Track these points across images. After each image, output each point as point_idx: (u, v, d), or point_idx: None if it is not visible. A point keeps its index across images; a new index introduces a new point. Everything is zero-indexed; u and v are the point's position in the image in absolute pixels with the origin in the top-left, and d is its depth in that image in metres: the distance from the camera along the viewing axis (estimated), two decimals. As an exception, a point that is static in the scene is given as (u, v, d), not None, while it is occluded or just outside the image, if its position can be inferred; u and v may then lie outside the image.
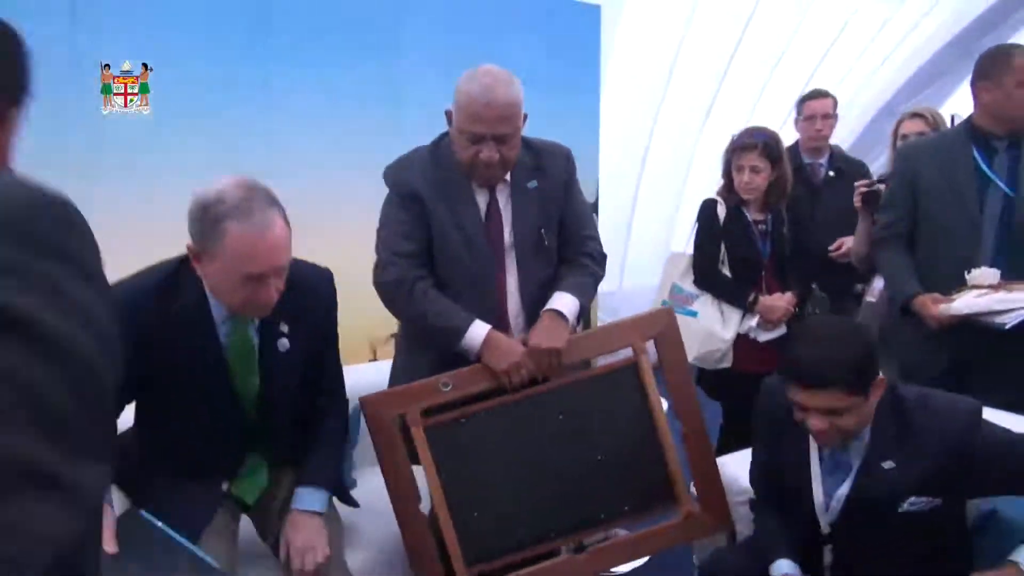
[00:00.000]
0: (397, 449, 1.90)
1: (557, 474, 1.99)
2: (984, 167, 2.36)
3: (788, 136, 3.10)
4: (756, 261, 2.81)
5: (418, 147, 2.06)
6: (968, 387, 1.88)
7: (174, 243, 1.62)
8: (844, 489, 1.68)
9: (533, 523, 1.99)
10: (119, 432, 1.68)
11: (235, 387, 1.70)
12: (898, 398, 1.64)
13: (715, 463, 2.10)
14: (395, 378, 2.11)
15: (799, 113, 3.29)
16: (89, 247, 0.57)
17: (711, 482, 2.08)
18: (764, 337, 2.77)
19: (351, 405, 1.96)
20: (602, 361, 2.19)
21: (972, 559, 1.68)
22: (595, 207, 3.82)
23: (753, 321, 2.77)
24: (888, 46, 6.80)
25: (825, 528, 1.71)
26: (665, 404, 2.09)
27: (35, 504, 0.46)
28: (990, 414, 1.67)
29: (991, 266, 2.33)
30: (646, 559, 2.28)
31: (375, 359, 3.09)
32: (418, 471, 1.94)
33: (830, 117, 3.23)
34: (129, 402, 1.68)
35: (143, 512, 1.56)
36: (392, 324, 2.23)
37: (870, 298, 2.95)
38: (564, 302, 2.00)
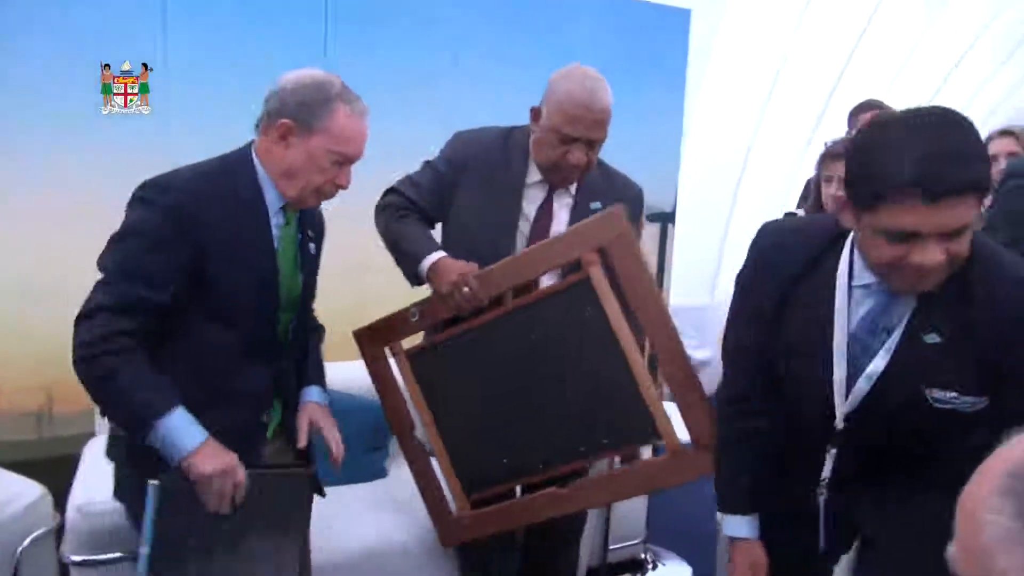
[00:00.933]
0: (389, 380, 2.04)
1: (532, 403, 1.91)
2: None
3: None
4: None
5: (492, 128, 2.05)
6: None
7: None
8: (877, 366, 1.29)
9: (516, 453, 1.95)
10: None
11: (280, 291, 1.63)
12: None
13: (700, 389, 1.78)
14: None
15: None
16: None
17: (698, 413, 1.77)
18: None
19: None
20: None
21: None
22: (671, 217, 3.60)
23: None
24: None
25: (840, 422, 1.34)
26: None
27: None
28: None
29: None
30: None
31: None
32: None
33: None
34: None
35: None
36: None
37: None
38: None
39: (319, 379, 1.82)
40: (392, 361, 2.11)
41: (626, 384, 1.80)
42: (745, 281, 1.43)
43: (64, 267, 2.47)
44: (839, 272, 1.31)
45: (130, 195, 1.50)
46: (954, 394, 1.24)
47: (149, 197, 1.47)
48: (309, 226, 1.72)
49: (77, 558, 2.01)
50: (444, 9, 3.03)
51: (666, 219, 3.60)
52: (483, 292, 1.88)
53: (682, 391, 1.78)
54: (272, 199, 1.59)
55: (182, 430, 1.44)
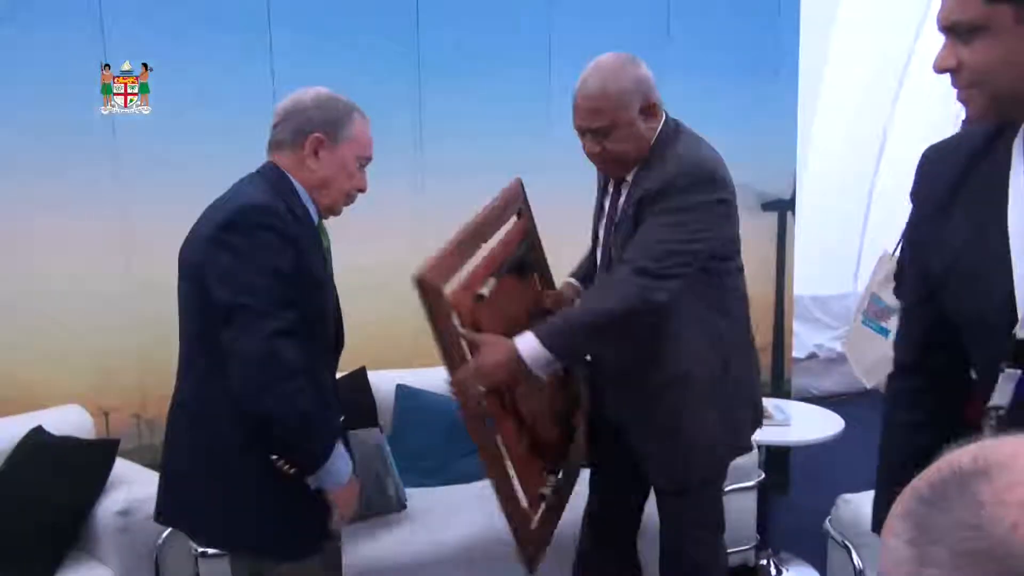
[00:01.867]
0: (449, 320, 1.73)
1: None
2: None
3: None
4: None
5: None
6: None
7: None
8: None
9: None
10: None
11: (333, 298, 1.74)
12: None
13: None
14: None
15: None
16: None
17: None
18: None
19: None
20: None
21: None
22: (790, 204, 3.42)
23: None
24: None
25: (1021, 329, 1.09)
26: None
27: None
28: None
29: None
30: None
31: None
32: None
33: None
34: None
35: None
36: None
37: None
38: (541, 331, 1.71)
39: None
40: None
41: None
42: (911, 195, 1.27)
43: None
44: (1014, 153, 1.10)
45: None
46: None
47: (267, 223, 1.51)
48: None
49: (208, 551, 2.23)
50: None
51: (784, 207, 3.43)
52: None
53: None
54: (313, 212, 1.67)
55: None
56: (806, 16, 3.40)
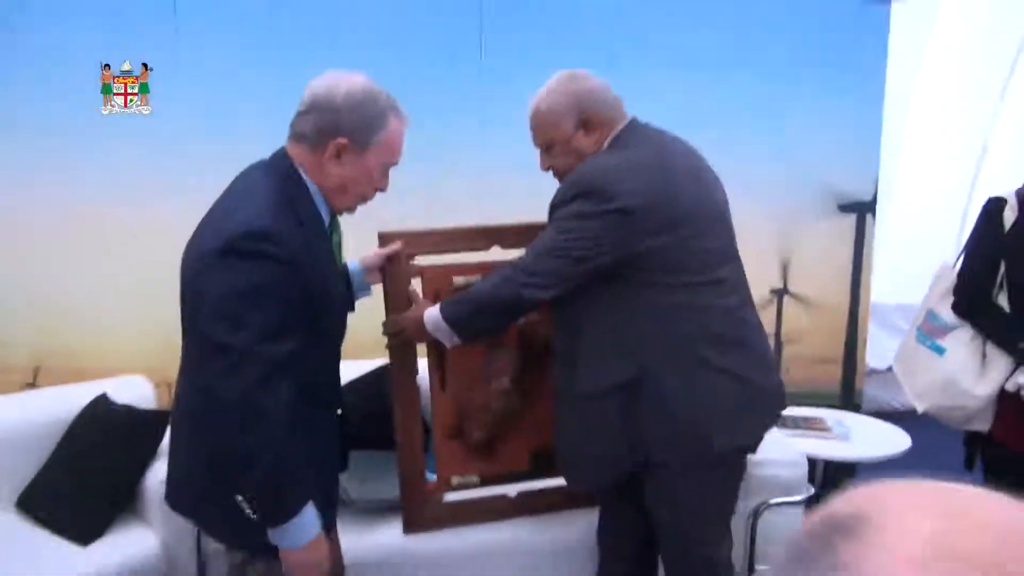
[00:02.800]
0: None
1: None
2: None
3: None
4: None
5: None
6: None
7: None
8: None
9: None
10: None
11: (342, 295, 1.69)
12: None
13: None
14: None
15: None
16: None
17: None
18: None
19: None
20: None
21: None
22: (870, 207, 3.23)
23: None
24: None
25: None
26: None
27: None
28: None
29: None
30: None
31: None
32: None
33: None
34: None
35: None
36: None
37: None
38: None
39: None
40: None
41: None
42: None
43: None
44: None
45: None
46: None
47: (263, 251, 1.40)
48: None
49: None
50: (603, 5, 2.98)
51: (864, 208, 3.23)
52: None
53: None
54: (324, 213, 1.57)
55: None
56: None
